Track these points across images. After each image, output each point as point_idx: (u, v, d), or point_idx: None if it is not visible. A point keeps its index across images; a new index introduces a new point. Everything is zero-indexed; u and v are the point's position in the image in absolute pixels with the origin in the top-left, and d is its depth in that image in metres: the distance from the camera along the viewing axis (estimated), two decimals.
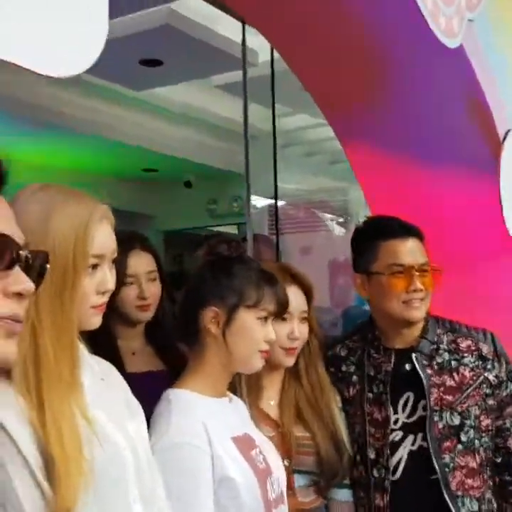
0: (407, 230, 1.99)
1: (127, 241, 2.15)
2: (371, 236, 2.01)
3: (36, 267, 1.03)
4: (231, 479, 1.51)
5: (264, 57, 3.86)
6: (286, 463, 1.82)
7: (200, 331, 1.64)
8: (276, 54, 3.66)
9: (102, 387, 1.34)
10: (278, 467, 1.67)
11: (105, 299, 1.34)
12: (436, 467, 1.90)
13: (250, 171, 3.73)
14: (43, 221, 1.24)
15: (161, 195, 5.56)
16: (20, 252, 0.93)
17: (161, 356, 2.12)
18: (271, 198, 4.74)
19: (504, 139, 2.41)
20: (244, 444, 1.60)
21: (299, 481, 1.86)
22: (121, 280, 2.06)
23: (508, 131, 2.43)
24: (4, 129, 3.92)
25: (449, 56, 2.09)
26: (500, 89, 2.29)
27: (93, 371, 1.35)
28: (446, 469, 1.91)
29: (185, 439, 1.51)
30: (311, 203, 5.40)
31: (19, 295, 0.89)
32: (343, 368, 2.06)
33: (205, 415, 1.56)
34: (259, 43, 3.72)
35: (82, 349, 1.35)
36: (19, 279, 0.91)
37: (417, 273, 1.93)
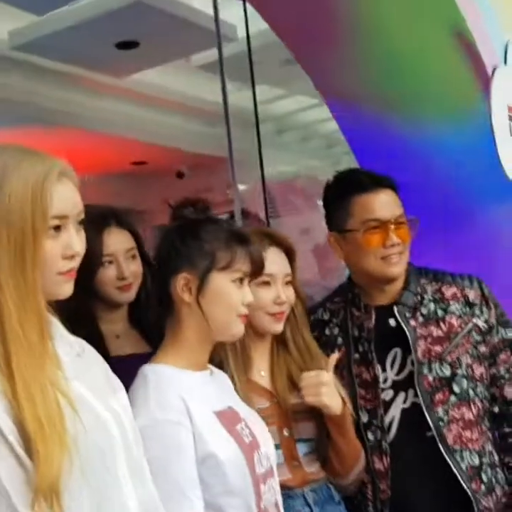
0: (379, 182, 1.91)
1: (101, 218, 2.03)
2: (342, 192, 1.92)
3: None
4: (214, 456, 1.43)
5: (243, 31, 3.72)
6: (286, 433, 1.75)
7: (174, 301, 1.55)
8: (254, 27, 3.55)
9: (79, 363, 1.28)
10: (266, 440, 1.58)
11: (74, 264, 1.25)
12: (430, 422, 1.83)
13: (244, 157, 3.64)
14: None
15: (152, 188, 5.44)
16: None
17: (146, 338, 2.01)
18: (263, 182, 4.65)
19: (492, 75, 2.29)
20: (228, 418, 1.51)
21: (302, 449, 1.77)
22: (98, 261, 1.96)
23: (495, 68, 2.31)
24: None
25: None
26: (485, 21, 2.17)
27: (71, 347, 1.28)
28: (441, 423, 1.84)
29: (164, 415, 1.43)
30: (308, 183, 5.30)
31: None
32: (327, 332, 1.98)
33: (184, 390, 1.47)
34: (239, 15, 3.59)
35: (57, 324, 1.28)
36: None
37: (393, 226, 1.86)
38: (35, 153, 1.25)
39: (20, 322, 1.14)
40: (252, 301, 1.57)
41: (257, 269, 1.60)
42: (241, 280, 1.55)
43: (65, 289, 1.25)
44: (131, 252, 2.00)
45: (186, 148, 4.92)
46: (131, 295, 1.98)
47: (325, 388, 1.68)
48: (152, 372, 1.51)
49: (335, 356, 1.77)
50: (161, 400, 1.45)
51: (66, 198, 1.23)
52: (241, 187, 3.99)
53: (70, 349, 1.28)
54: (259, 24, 3.31)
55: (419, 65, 2.20)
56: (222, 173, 5.34)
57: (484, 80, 2.22)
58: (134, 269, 1.98)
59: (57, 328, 1.28)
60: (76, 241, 1.24)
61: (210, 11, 3.49)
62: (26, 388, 1.11)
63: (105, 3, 3.27)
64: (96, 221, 1.95)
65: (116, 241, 1.98)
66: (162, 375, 1.50)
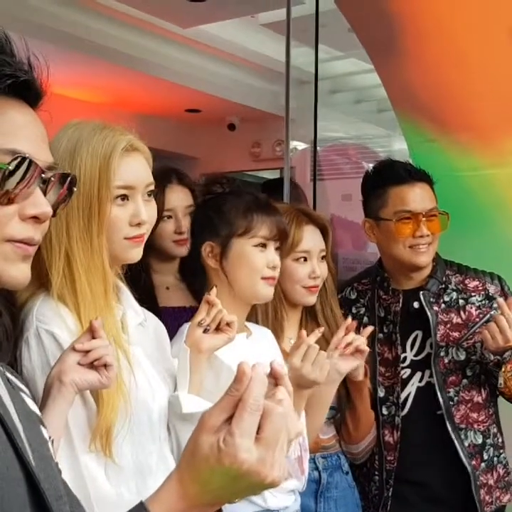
0: (415, 176, 2.03)
1: (164, 176, 2.16)
2: (380, 182, 2.05)
3: (60, 190, 0.96)
4: None
5: None
6: None
7: (205, 268, 1.69)
8: None
9: (142, 331, 1.42)
10: None
11: (141, 231, 1.37)
12: (441, 401, 1.97)
13: (296, 115, 3.67)
14: (70, 153, 1.28)
15: (203, 137, 5.52)
16: (43, 175, 0.90)
17: (193, 293, 2.13)
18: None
19: None
20: None
21: None
22: (158, 215, 2.09)
23: None
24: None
25: None
26: None
27: (137, 315, 1.41)
28: (451, 403, 1.97)
29: None
30: (355, 150, 5.30)
31: (36, 219, 0.84)
32: (354, 311, 2.12)
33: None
34: None
35: (127, 292, 1.41)
36: (37, 202, 0.86)
37: (424, 219, 1.98)
38: (109, 127, 1.34)
39: (87, 280, 1.28)
40: (278, 263, 1.66)
41: (277, 234, 1.67)
42: (263, 245, 1.66)
43: (133, 254, 1.37)
44: (189, 209, 2.13)
45: (240, 100, 4.97)
46: (185, 249, 2.08)
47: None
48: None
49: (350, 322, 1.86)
50: None
51: (133, 171, 1.34)
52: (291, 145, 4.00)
53: (136, 317, 1.40)
54: None
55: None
56: (272, 129, 5.40)
57: None
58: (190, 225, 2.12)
59: (127, 296, 1.40)
60: (142, 211, 1.35)
61: None
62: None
63: None
64: (159, 178, 2.09)
65: (177, 197, 2.12)
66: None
